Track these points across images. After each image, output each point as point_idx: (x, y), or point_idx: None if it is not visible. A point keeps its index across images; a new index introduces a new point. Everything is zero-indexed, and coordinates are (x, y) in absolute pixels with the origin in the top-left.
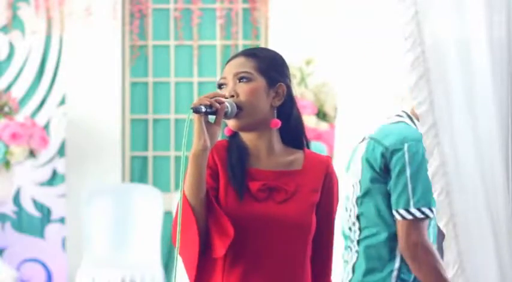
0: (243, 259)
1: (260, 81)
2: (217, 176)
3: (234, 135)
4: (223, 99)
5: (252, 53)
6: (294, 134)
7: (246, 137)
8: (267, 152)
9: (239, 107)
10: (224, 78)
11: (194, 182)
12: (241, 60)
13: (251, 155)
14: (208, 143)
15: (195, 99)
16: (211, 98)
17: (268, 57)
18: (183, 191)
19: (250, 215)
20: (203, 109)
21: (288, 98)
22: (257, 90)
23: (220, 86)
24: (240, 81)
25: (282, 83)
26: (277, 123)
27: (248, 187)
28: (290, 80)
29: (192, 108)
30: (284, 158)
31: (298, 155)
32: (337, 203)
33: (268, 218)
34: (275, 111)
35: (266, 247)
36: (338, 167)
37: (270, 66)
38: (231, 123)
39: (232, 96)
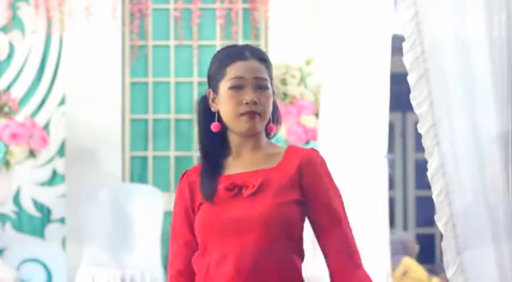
0: (217, 256)
1: (270, 90)
2: (190, 204)
3: (217, 133)
4: None
5: (263, 59)
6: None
7: (237, 138)
8: (252, 151)
9: (259, 114)
10: (242, 78)
11: None
12: (256, 64)
13: (230, 157)
14: None
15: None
16: None
17: (271, 64)
18: None
19: (223, 215)
20: None
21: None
22: (270, 99)
23: (238, 86)
24: (259, 89)
25: (275, 92)
26: (273, 128)
27: (217, 190)
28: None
29: None
30: (264, 156)
31: (279, 152)
32: (333, 191)
33: (239, 214)
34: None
35: (237, 244)
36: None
37: (272, 75)
38: (246, 127)
39: (255, 103)
